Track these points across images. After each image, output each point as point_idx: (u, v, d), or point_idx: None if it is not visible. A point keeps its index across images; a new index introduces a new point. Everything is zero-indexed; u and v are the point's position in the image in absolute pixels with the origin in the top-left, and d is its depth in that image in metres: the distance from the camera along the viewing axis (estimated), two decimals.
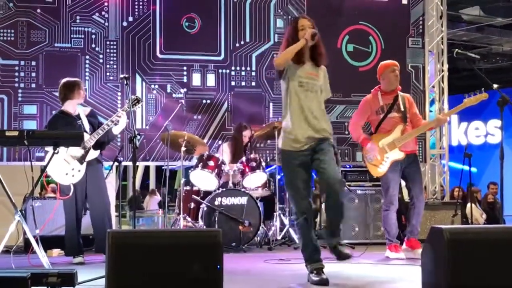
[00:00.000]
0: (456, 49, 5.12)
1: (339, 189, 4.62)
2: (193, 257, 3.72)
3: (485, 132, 16.85)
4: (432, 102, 9.25)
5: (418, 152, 8.80)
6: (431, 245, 4.11)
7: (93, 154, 6.08)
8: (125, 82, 5.51)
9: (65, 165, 6.00)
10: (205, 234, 4.10)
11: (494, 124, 16.37)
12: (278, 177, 7.85)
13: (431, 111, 9.23)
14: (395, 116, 6.40)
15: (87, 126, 6.16)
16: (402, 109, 6.42)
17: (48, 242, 6.44)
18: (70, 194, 5.99)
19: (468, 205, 9.30)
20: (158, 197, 15.70)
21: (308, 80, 4.78)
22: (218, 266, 3.73)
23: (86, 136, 5.95)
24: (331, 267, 5.26)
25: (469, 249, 3.97)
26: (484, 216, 11.39)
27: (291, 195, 4.84)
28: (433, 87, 9.25)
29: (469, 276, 3.92)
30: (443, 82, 9.22)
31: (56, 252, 6.67)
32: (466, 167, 7.69)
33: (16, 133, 4.73)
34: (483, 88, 6.22)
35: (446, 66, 9.21)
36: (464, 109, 6.45)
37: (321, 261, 4.69)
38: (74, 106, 6.29)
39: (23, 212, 4.83)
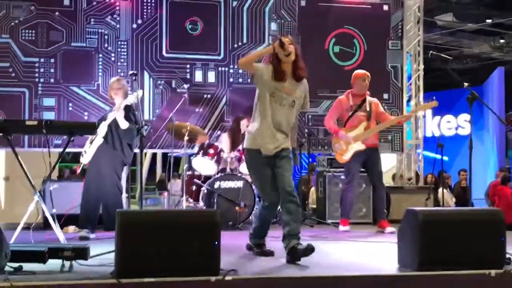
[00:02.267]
0: (431, 51, 5.11)
1: (295, 195, 4.53)
2: (194, 235, 3.72)
3: (456, 125, 16.87)
4: (409, 98, 9.25)
5: (396, 142, 8.90)
6: (407, 225, 4.13)
7: (98, 141, 5.99)
8: (134, 78, 5.48)
9: (86, 146, 6.07)
10: (205, 214, 4.11)
11: (464, 118, 16.40)
12: None
13: (408, 105, 9.22)
14: (361, 114, 6.86)
15: (109, 119, 6.05)
16: (368, 109, 6.87)
17: (65, 220, 6.45)
18: (78, 171, 6.03)
19: (440, 190, 9.30)
20: (180, 181, 15.72)
21: (283, 95, 4.53)
22: (216, 243, 3.73)
23: (102, 125, 5.96)
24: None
25: (440, 228, 4.00)
26: (454, 199, 11.40)
27: (261, 187, 4.70)
28: (410, 84, 9.24)
29: (440, 252, 3.95)
30: (419, 80, 9.20)
31: (71, 228, 6.59)
32: (439, 156, 7.73)
33: (35, 123, 4.71)
34: (434, 97, 6.66)
35: (421, 66, 9.18)
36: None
37: (264, 239, 4.82)
38: (116, 102, 6.20)
39: (41, 193, 4.80)
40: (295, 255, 4.32)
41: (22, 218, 4.86)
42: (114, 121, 6.05)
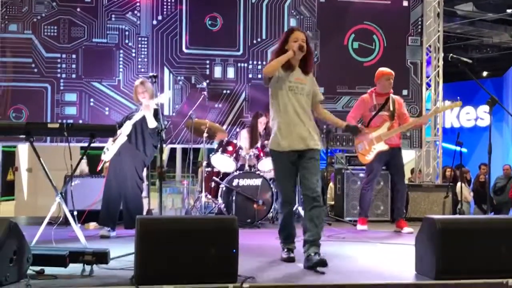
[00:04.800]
0: (451, 54, 5.02)
1: (319, 200, 4.47)
2: (212, 241, 3.71)
3: (475, 116, 16.63)
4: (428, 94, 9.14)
5: (415, 139, 8.80)
6: (424, 233, 4.08)
7: (122, 139, 6.02)
8: (154, 80, 5.45)
9: (108, 143, 6.11)
10: (223, 220, 4.08)
11: (484, 109, 16.13)
12: None
13: (427, 101, 9.11)
14: (385, 114, 6.72)
15: (135, 119, 6.05)
16: (391, 109, 6.73)
17: (86, 215, 6.50)
18: (98, 169, 6.20)
19: (458, 184, 9.24)
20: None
21: (297, 85, 4.59)
22: (234, 250, 3.72)
23: (127, 124, 6.01)
24: (330, 247, 5.22)
25: (458, 237, 3.95)
26: (472, 194, 11.33)
27: (278, 184, 4.77)
28: (430, 80, 9.12)
29: (457, 261, 3.91)
30: (438, 76, 9.07)
31: (92, 225, 6.64)
32: (458, 148, 7.69)
33: (57, 125, 4.68)
34: (458, 97, 6.60)
35: (441, 62, 9.04)
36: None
37: (294, 243, 4.73)
38: (142, 103, 6.11)
39: (63, 194, 4.80)
40: (309, 263, 4.32)
41: (44, 210, 4.85)
42: (140, 121, 6.04)
